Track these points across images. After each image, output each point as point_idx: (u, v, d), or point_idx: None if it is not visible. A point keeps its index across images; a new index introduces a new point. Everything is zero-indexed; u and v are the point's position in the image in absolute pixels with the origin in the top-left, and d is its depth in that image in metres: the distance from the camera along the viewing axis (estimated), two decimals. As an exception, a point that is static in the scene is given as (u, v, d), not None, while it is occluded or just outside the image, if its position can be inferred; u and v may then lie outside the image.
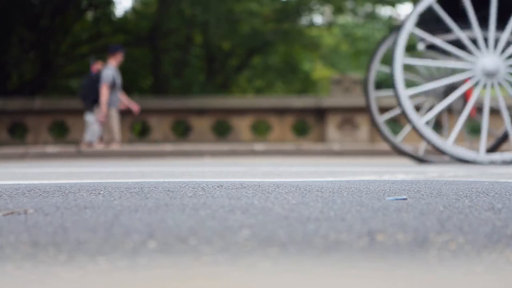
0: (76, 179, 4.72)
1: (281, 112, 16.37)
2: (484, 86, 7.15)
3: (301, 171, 6.03)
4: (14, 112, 16.42)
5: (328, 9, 24.72)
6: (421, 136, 7.09)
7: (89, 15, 22.52)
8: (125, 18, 23.89)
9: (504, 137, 8.24)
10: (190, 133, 16.48)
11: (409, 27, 7.05)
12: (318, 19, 26.54)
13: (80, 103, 14.06)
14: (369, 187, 2.99)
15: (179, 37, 22.34)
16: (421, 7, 7.06)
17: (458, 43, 7.27)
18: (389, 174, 5.32)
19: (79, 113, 16.47)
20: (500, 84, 7.16)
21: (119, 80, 13.18)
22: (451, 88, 7.97)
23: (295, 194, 2.67)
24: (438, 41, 7.21)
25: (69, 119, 16.53)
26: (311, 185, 3.10)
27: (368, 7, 22.77)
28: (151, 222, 1.99)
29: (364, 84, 8.34)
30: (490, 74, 7.05)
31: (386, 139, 8.26)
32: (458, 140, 8.29)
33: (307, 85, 25.86)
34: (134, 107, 13.47)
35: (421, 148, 8.35)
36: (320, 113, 16.21)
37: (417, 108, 9.27)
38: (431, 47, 7.59)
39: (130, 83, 19.59)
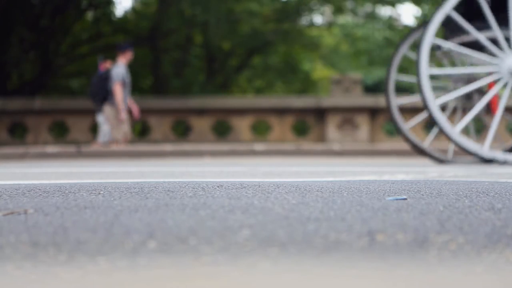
0: (76, 179, 4.72)
1: (281, 112, 16.37)
2: (505, 85, 7.18)
3: (301, 171, 6.03)
4: (14, 112, 16.42)
5: (328, 9, 24.73)
6: (457, 145, 7.07)
7: (89, 15, 22.53)
8: (125, 18, 23.89)
9: None
10: (190, 133, 16.48)
11: (430, 38, 7.03)
12: (318, 19, 26.56)
13: (89, 103, 14.03)
14: (369, 187, 2.99)
15: (179, 37, 22.34)
16: (440, 16, 7.03)
17: (479, 43, 7.27)
18: (389, 174, 5.32)
19: (79, 113, 16.47)
20: None
21: (128, 79, 13.13)
22: (475, 89, 7.93)
23: (295, 194, 2.67)
24: (462, 48, 7.21)
25: (69, 119, 16.53)
26: (311, 185, 3.10)
27: (368, 7, 22.79)
28: (151, 222, 1.99)
29: (385, 89, 8.33)
30: None
31: (407, 140, 8.24)
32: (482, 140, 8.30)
33: (307, 85, 25.86)
34: (135, 111, 13.38)
35: (450, 150, 8.35)
36: (320, 113, 16.21)
37: (442, 109, 9.28)
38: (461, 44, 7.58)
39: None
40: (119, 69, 12.98)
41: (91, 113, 16.47)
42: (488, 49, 7.14)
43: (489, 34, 7.17)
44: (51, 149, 13.15)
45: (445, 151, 8.96)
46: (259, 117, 16.57)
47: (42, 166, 8.46)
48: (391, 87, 8.22)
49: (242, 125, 16.41)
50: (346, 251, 1.70)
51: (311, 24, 24.65)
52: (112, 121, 13.06)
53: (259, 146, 13.50)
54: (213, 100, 17.23)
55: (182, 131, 17.07)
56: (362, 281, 1.44)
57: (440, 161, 8.03)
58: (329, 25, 25.82)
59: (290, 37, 22.70)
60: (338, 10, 22.37)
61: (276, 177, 4.86)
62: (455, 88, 8.02)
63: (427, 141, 8.26)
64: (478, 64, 7.48)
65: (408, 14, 60.81)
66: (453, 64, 8.51)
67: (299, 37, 23.20)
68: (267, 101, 17.06)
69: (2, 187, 3.06)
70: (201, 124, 16.43)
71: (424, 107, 7.12)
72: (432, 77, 8.24)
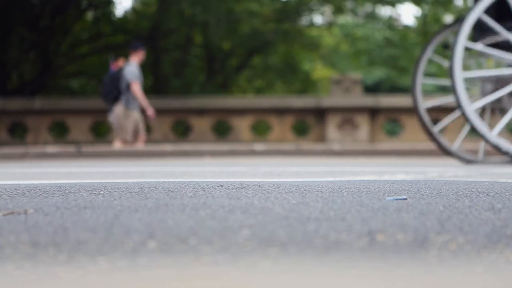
0: (76, 179, 4.72)
1: (281, 112, 16.37)
2: None
3: (301, 171, 6.04)
4: (14, 112, 16.42)
5: (328, 9, 24.73)
6: (495, 148, 7.07)
7: (89, 15, 22.52)
8: (125, 18, 23.89)
9: None
10: (190, 133, 16.48)
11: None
12: (318, 19, 26.56)
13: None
14: (369, 187, 2.99)
15: (179, 37, 22.34)
16: (472, 19, 7.02)
17: (508, 43, 7.27)
18: (389, 174, 5.32)
19: (79, 113, 16.47)
20: None
21: (141, 79, 13.10)
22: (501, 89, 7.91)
23: (295, 194, 2.67)
24: (492, 50, 7.21)
25: (69, 119, 16.53)
26: (311, 185, 3.10)
27: (368, 7, 22.78)
28: (151, 222, 1.99)
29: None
30: None
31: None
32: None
33: (307, 85, 25.85)
34: (150, 111, 13.26)
35: (481, 149, 8.34)
36: (320, 113, 16.21)
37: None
38: (491, 44, 7.58)
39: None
40: (132, 68, 12.89)
41: (91, 113, 16.47)
42: None
43: None
44: (51, 149, 13.15)
45: (471, 151, 8.95)
46: (259, 117, 16.57)
47: (42, 166, 8.46)
48: (418, 88, 8.20)
49: (242, 125, 16.41)
50: (346, 251, 1.70)
51: (311, 24, 24.64)
52: (121, 121, 13.01)
53: (259, 146, 13.50)
54: (213, 100, 17.23)
55: (182, 131, 17.07)
56: (362, 281, 1.44)
57: (468, 161, 8.02)
58: (329, 25, 25.83)
59: (290, 37, 22.70)
60: (338, 10, 22.37)
61: (276, 177, 4.87)
62: (483, 89, 7.99)
63: (457, 142, 8.23)
64: (508, 65, 7.48)
65: (408, 14, 60.83)
66: (479, 64, 8.51)
67: (299, 37, 23.19)
68: (267, 101, 17.06)
69: (2, 187, 3.06)
70: (201, 124, 16.43)
71: (460, 110, 7.10)
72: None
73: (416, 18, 23.77)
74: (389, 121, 16.89)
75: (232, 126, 16.49)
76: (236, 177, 4.84)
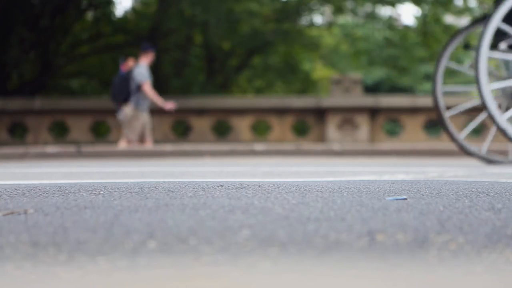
0: (76, 179, 4.72)
1: (281, 112, 16.37)
2: None
3: (301, 171, 6.04)
4: (14, 112, 16.42)
5: (328, 9, 24.72)
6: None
7: (89, 15, 22.52)
8: (125, 18, 23.88)
9: None
10: (190, 133, 16.48)
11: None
12: (318, 19, 26.55)
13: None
14: (369, 187, 2.99)
15: (179, 37, 22.34)
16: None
17: None
18: (389, 174, 5.32)
19: (79, 113, 16.47)
20: None
21: (151, 79, 13.19)
22: None
23: (295, 194, 2.67)
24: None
25: (69, 119, 16.53)
26: (311, 185, 3.10)
27: (368, 7, 22.76)
28: (151, 222, 1.99)
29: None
30: None
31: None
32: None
33: (307, 85, 25.85)
34: (168, 105, 13.38)
35: (510, 149, 8.33)
36: (320, 113, 16.21)
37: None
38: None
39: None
40: (141, 69, 12.98)
41: (91, 113, 16.47)
42: None
43: None
44: (51, 149, 13.15)
45: (492, 152, 8.95)
46: (259, 117, 16.57)
47: (42, 166, 8.46)
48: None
49: (242, 125, 16.41)
50: (346, 251, 1.70)
51: (311, 24, 24.64)
52: (129, 122, 13.10)
53: (259, 146, 13.50)
54: (213, 100, 17.23)
55: (182, 131, 17.07)
56: (362, 281, 1.44)
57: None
58: (329, 25, 25.81)
59: (290, 37, 22.70)
60: (338, 10, 22.36)
61: (276, 177, 4.87)
62: (504, 90, 7.98)
63: (485, 144, 8.21)
64: None
65: (408, 14, 60.84)
66: (497, 68, 8.53)
67: (299, 37, 23.18)
68: (267, 101, 17.06)
69: (2, 187, 3.06)
70: (201, 124, 16.43)
71: (492, 121, 7.09)
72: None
73: (416, 18, 23.76)
74: (389, 121, 16.88)
75: (232, 126, 16.49)
76: (236, 177, 4.84)
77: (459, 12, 21.54)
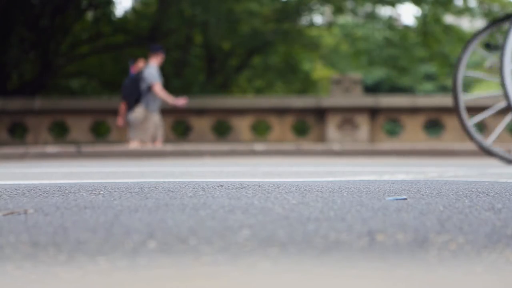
0: (76, 179, 4.73)
1: (281, 112, 16.37)
2: None
3: (301, 171, 6.04)
4: (14, 112, 16.42)
5: (328, 9, 24.72)
6: None
7: (89, 15, 22.52)
8: (125, 18, 23.88)
9: None
10: (190, 133, 16.48)
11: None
12: (318, 19, 26.55)
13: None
14: (369, 187, 2.99)
15: (179, 37, 22.34)
16: None
17: None
18: (389, 174, 5.32)
19: (79, 113, 16.47)
20: None
21: (161, 80, 13.32)
22: None
23: (295, 194, 2.67)
24: None
25: (69, 119, 16.53)
26: (311, 185, 3.10)
27: (368, 7, 22.76)
28: (151, 222, 1.99)
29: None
30: None
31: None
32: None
33: (307, 85, 25.85)
34: (179, 102, 13.49)
35: None
36: (320, 113, 16.21)
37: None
38: None
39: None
40: (151, 70, 13.13)
41: (91, 113, 16.47)
42: None
43: None
44: (51, 149, 13.15)
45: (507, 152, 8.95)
46: (259, 117, 16.57)
47: (42, 166, 8.46)
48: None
49: (242, 125, 16.41)
50: (346, 251, 1.70)
51: (311, 24, 24.64)
52: (142, 123, 13.19)
53: (259, 146, 13.50)
54: (213, 100, 17.23)
55: (182, 131, 17.07)
56: (362, 281, 1.44)
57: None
58: (329, 25, 25.81)
59: (290, 37, 22.70)
60: (338, 10, 22.37)
61: (276, 177, 4.87)
62: None
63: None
64: None
65: (408, 14, 60.87)
66: None
67: (299, 37, 23.18)
68: (267, 101, 17.06)
69: (2, 187, 3.06)
70: (201, 124, 16.43)
71: (507, 103, 7.06)
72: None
73: (416, 18, 23.76)
74: (389, 121, 16.88)
75: (232, 126, 16.49)
76: (236, 177, 4.85)
77: (459, 12, 21.54)
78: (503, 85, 6.93)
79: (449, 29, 21.80)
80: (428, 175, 5.19)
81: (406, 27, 24.64)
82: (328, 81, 21.98)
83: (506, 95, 6.94)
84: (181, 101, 13.39)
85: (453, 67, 8.32)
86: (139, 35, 21.85)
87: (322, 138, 16.15)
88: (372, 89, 31.41)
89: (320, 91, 27.32)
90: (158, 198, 2.59)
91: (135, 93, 13.19)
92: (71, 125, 16.56)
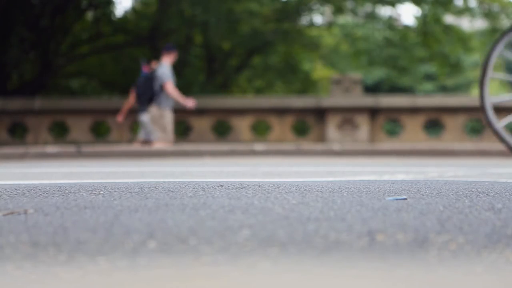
0: (76, 179, 4.72)
1: (281, 112, 16.36)
2: None
3: (301, 171, 6.04)
4: (14, 112, 16.42)
5: (328, 9, 24.72)
6: None
7: (89, 15, 22.51)
8: (125, 18, 23.88)
9: None
10: (190, 133, 16.48)
11: None
12: (318, 19, 26.54)
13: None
14: (369, 187, 2.99)
15: (179, 37, 22.33)
16: None
17: None
18: (389, 174, 5.32)
19: (79, 113, 16.47)
20: None
21: (174, 79, 13.40)
22: None
23: (295, 194, 2.67)
24: None
25: (69, 119, 16.53)
26: (311, 185, 3.10)
27: (368, 7, 22.75)
28: (151, 222, 1.99)
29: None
30: None
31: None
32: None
33: (307, 85, 25.85)
34: (189, 103, 13.56)
35: None
36: (320, 113, 16.21)
37: None
38: None
39: (130, 82, 19.60)
40: (164, 69, 13.23)
41: (91, 113, 16.47)
42: None
43: None
44: (51, 149, 13.15)
45: None
46: (259, 117, 16.57)
47: (42, 166, 8.46)
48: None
49: (242, 125, 16.41)
50: (346, 251, 1.70)
51: (311, 24, 24.63)
52: (158, 123, 13.27)
53: (259, 146, 13.50)
54: (213, 100, 17.22)
55: (182, 131, 17.07)
56: (362, 281, 1.44)
57: None
58: (329, 25, 25.81)
59: (290, 37, 22.69)
60: (338, 10, 22.36)
61: (276, 177, 4.87)
62: None
63: None
64: None
65: (408, 14, 60.85)
66: None
67: (299, 37, 23.17)
68: (267, 101, 17.06)
69: (2, 187, 3.06)
70: (201, 124, 16.43)
71: None
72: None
73: (416, 18, 23.74)
74: (389, 121, 16.88)
75: (232, 126, 16.49)
76: (236, 177, 4.85)
77: (459, 12, 21.53)
78: None
79: (449, 29, 21.79)
80: (428, 175, 5.19)
81: (406, 27, 24.62)
82: (328, 81, 21.98)
83: None
84: (190, 103, 13.47)
85: (480, 68, 8.30)
86: (139, 35, 21.85)
87: (322, 138, 16.15)
88: (372, 89, 31.41)
89: (320, 91, 27.32)
90: (158, 198, 2.59)
91: (148, 92, 13.30)
92: (71, 125, 16.56)
